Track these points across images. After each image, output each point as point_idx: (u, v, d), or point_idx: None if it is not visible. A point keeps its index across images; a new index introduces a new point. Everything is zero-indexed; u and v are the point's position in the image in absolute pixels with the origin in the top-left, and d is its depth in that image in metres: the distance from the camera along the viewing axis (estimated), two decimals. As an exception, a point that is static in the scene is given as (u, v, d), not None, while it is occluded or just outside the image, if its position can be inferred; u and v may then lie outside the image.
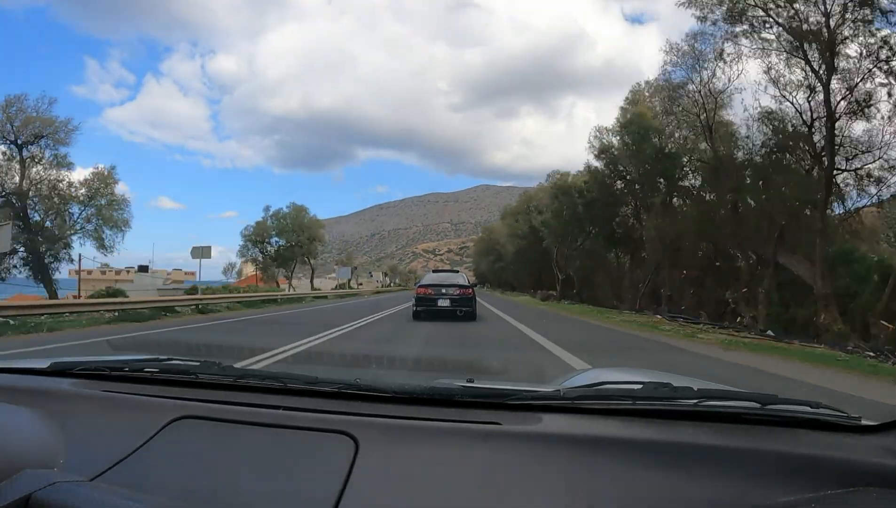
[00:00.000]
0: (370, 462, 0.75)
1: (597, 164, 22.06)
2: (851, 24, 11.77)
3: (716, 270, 15.72)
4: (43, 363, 1.18)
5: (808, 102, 14.04)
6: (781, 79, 13.92)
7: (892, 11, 11.29)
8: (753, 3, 12.56)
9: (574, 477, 0.74)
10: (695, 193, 18.26)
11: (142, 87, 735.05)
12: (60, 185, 24.84)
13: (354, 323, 10.89)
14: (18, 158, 23.26)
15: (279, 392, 0.99)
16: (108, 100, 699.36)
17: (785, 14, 12.26)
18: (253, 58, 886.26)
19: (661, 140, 17.49)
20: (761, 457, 0.75)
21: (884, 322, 10.63)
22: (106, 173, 25.87)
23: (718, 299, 15.41)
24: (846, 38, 12.02)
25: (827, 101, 11.97)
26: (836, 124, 12.53)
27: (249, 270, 48.08)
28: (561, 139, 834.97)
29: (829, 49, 11.30)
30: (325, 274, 71.02)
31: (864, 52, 11.72)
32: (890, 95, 11.71)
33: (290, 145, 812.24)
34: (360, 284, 75.43)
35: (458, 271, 14.96)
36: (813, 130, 13.91)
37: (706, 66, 14.76)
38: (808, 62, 12.07)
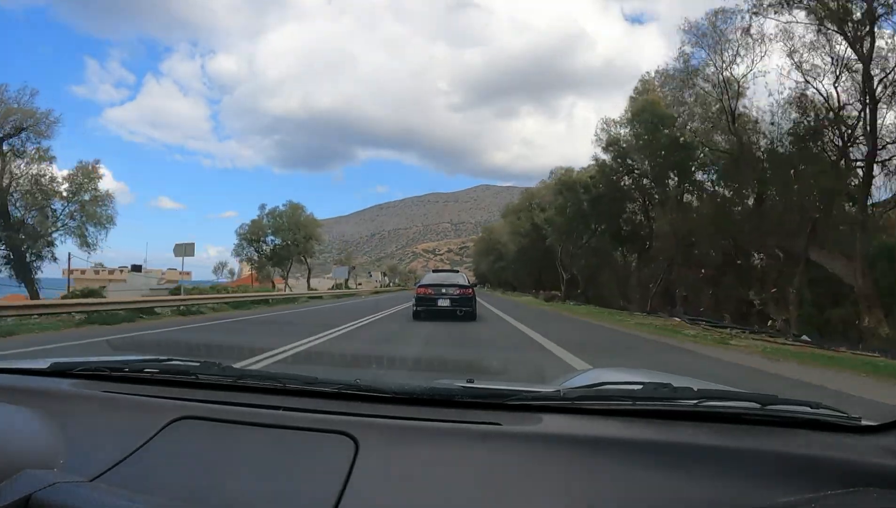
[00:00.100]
0: (370, 463, 0.75)
1: (604, 157, 20.88)
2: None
3: (736, 268, 14.57)
4: (43, 364, 1.18)
5: (835, 87, 13.00)
6: (804, 64, 12.89)
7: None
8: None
9: (574, 478, 0.73)
10: (711, 186, 17.09)
11: (142, 87, 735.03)
12: (42, 180, 23.78)
13: (346, 326, 10.17)
14: (-1, 151, 22.10)
15: (279, 393, 0.99)
16: (108, 100, 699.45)
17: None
18: (253, 58, 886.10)
19: (674, 129, 16.31)
20: (761, 457, 0.75)
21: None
22: (90, 168, 24.78)
23: (740, 300, 14.25)
24: (883, 14, 10.91)
25: (867, 79, 10.81)
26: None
27: (247, 269, 46.90)
28: (561, 139, 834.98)
29: (870, 18, 10.14)
30: (324, 274, 69.96)
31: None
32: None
33: (290, 145, 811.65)
34: (360, 284, 74.42)
35: (458, 271, 14.91)
36: (841, 116, 12.85)
37: (728, 47, 13.60)
38: (845, 36, 10.91)
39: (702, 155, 16.27)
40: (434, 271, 14.75)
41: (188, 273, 64.75)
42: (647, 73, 20.77)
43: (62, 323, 11.86)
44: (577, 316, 15.71)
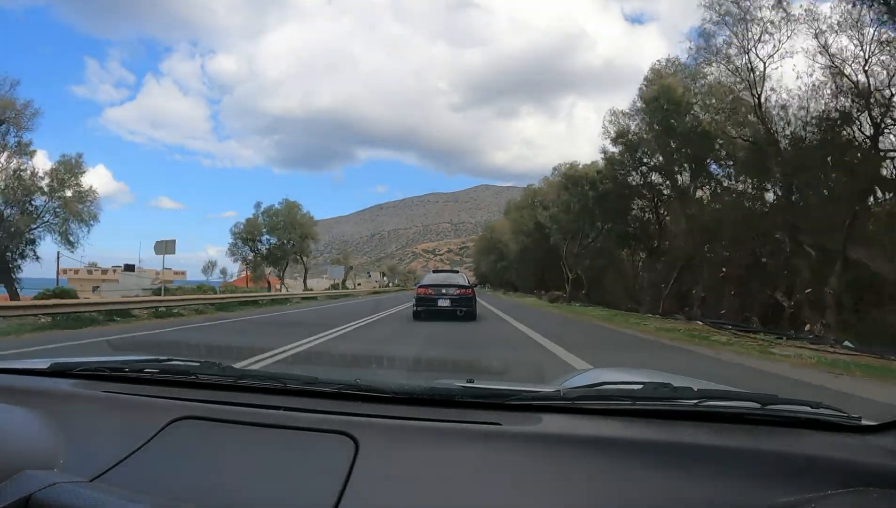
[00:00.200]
0: (370, 463, 0.75)
1: (613, 149, 19.68)
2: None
3: (760, 267, 13.38)
4: (43, 364, 1.18)
5: (865, 70, 11.85)
6: (832, 46, 11.76)
7: None
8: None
9: (574, 477, 0.73)
10: (730, 179, 15.89)
11: (142, 87, 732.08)
12: (23, 175, 22.62)
13: (331, 332, 9.31)
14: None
15: (279, 393, 0.99)
16: (108, 100, 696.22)
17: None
18: (253, 58, 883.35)
19: (692, 117, 15.12)
20: (761, 457, 0.75)
21: None
22: (73, 162, 23.62)
23: (766, 302, 13.07)
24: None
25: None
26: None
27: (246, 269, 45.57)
28: (561, 139, 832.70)
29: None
30: (322, 274, 68.81)
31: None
32: None
33: (289, 145, 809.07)
34: (359, 284, 73.44)
35: (458, 272, 14.87)
36: (871, 102, 11.72)
37: (753, 24, 12.42)
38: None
39: (720, 145, 15.06)
40: (434, 272, 14.54)
41: (183, 273, 63.82)
42: (658, 61, 19.67)
43: (24, 327, 10.81)
44: (588, 319, 14.54)
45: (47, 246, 22.68)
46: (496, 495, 0.70)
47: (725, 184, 16.01)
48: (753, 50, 12.75)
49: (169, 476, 0.76)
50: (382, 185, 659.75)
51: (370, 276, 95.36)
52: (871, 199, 12.40)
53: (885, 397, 4.61)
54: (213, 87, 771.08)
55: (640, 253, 23.88)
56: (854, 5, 11.56)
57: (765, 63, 12.64)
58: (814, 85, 12.52)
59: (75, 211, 22.59)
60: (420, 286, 12.25)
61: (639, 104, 20.08)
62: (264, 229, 40.93)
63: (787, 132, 13.10)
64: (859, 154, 11.29)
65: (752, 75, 12.70)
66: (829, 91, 11.92)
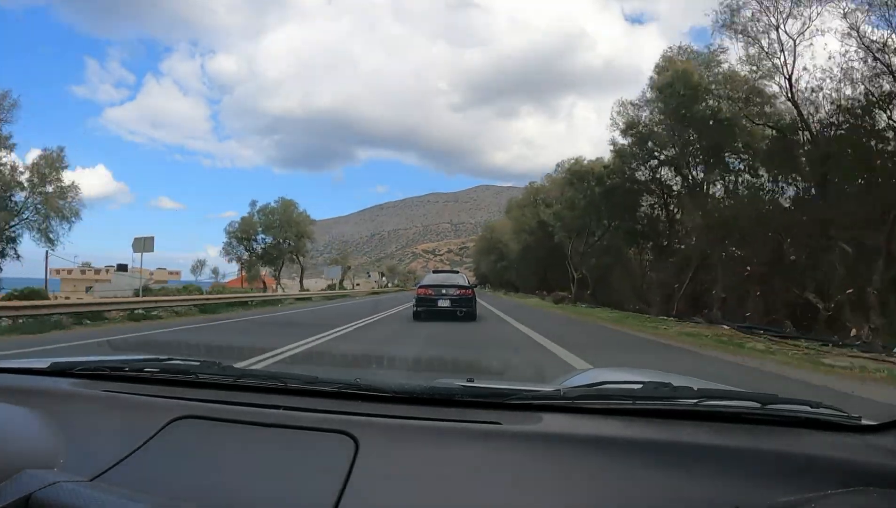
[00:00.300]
0: (370, 462, 0.75)
1: (623, 141, 18.58)
2: None
3: (789, 265, 12.28)
4: (43, 363, 1.17)
5: None
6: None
7: None
8: None
9: (574, 477, 0.73)
10: (749, 170, 14.78)
11: (142, 87, 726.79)
12: (2, 169, 21.54)
13: (325, 334, 8.66)
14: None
15: (279, 392, 0.98)
16: (108, 100, 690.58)
17: None
18: (253, 58, 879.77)
19: (711, 104, 14.02)
20: (761, 457, 0.74)
21: None
22: (55, 157, 22.52)
23: (794, 303, 11.97)
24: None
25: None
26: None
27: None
28: (561, 139, 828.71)
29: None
30: (321, 274, 67.74)
31: None
32: None
33: (289, 145, 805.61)
34: (358, 284, 72.40)
35: (457, 272, 14.83)
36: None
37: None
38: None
39: (740, 134, 13.94)
40: (434, 272, 14.42)
41: (178, 273, 62.88)
42: (670, 48, 18.60)
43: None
44: (600, 321, 13.45)
45: (27, 244, 21.39)
46: (496, 494, 0.69)
47: (745, 176, 14.85)
48: (782, 27, 11.65)
49: (169, 475, 0.76)
50: (382, 185, 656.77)
51: (369, 276, 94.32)
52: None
53: None
54: (213, 87, 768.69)
55: (649, 252, 22.73)
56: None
57: (795, 41, 11.55)
58: (848, 65, 11.43)
59: (56, 207, 21.55)
60: (420, 287, 12.23)
61: (648, 94, 19.03)
62: (259, 228, 39.78)
63: (817, 118, 12.00)
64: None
65: (782, 55, 11.61)
66: (865, 71, 10.80)
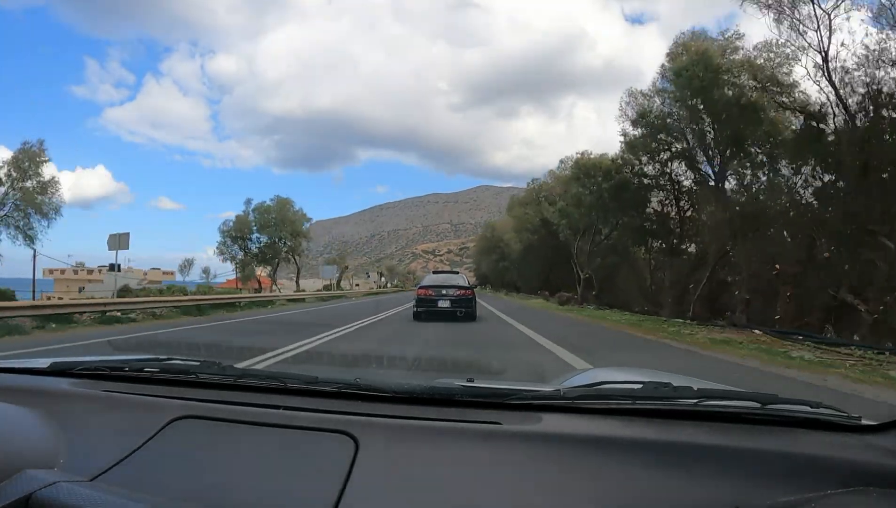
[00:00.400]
0: (370, 462, 0.74)
1: (634, 132, 17.43)
2: None
3: (823, 264, 11.18)
4: (43, 363, 1.17)
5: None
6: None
7: None
8: None
9: (574, 477, 0.73)
10: (775, 161, 13.65)
11: (141, 87, 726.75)
12: (-21, 164, 20.43)
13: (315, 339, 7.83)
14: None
15: (279, 392, 0.98)
16: (108, 100, 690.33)
17: None
18: (253, 58, 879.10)
19: (730, 89, 12.91)
20: (761, 457, 0.74)
21: None
22: (35, 150, 21.41)
23: (828, 305, 10.87)
24: None
25: None
26: None
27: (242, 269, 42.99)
28: (561, 139, 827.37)
29: None
30: (318, 275, 66.60)
31: None
32: None
33: (289, 145, 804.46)
34: (357, 285, 71.31)
35: (457, 273, 14.82)
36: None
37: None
38: None
39: (764, 121, 12.82)
40: (434, 273, 14.33)
41: (171, 273, 61.76)
42: (682, 34, 17.47)
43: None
44: (617, 326, 12.30)
45: (6, 243, 20.21)
46: (496, 494, 0.69)
47: (770, 167, 13.71)
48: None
49: (169, 475, 0.76)
50: (382, 185, 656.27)
51: (369, 276, 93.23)
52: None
53: None
54: (213, 87, 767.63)
55: (661, 249, 21.61)
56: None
57: (830, 15, 10.44)
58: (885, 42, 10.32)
59: (35, 203, 20.46)
60: (420, 288, 12.28)
61: (659, 84, 17.92)
62: (255, 227, 38.67)
63: (854, 101, 10.90)
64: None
65: (818, 32, 10.48)
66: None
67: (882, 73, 10.54)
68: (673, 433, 0.80)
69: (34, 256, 28.43)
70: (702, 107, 13.89)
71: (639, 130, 17.36)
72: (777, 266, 11.32)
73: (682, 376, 1.25)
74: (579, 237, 24.95)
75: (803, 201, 12.34)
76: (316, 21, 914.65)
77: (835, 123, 11.41)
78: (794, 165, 13.42)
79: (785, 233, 12.18)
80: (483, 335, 9.12)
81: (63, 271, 58.33)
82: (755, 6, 10.99)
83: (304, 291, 36.19)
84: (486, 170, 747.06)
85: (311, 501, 0.67)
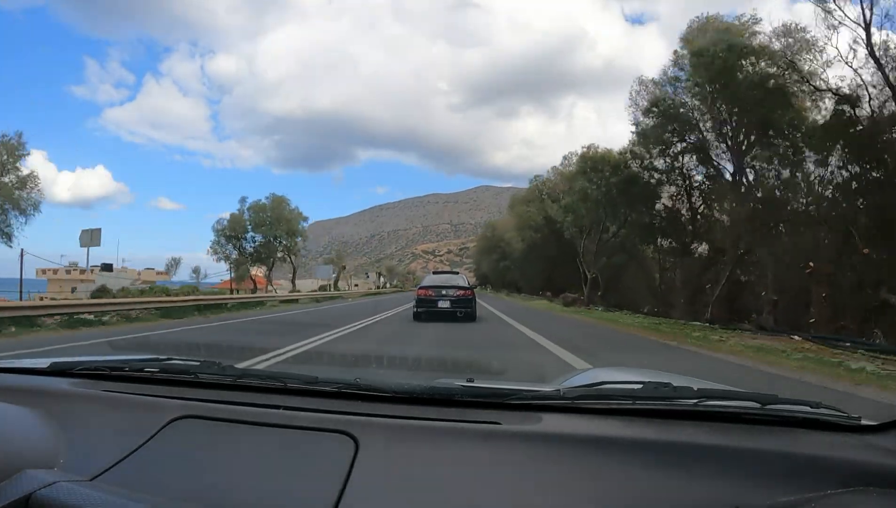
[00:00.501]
0: (370, 462, 0.74)
1: (647, 120, 16.39)
2: None
3: (862, 261, 10.13)
4: (43, 363, 1.17)
5: None
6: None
7: None
8: None
9: (574, 477, 0.72)
10: (798, 150, 12.59)
11: (141, 87, 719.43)
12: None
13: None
14: None
15: (279, 392, 0.98)
16: (107, 100, 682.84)
17: None
18: (252, 58, 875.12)
19: (759, 69, 11.86)
20: (761, 457, 0.73)
21: None
22: (14, 143, 20.36)
23: (868, 306, 9.82)
24: None
25: None
26: None
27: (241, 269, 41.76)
28: (561, 139, 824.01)
29: None
30: (317, 275, 65.46)
31: None
32: None
33: (289, 146, 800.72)
34: (356, 285, 70.31)
35: (457, 273, 14.77)
36: None
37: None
38: None
39: (789, 108, 11.76)
40: (434, 273, 14.29)
41: (165, 273, 60.52)
42: (696, 18, 16.47)
43: None
44: (630, 330, 11.25)
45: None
46: (496, 494, 0.69)
47: (796, 157, 12.63)
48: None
49: (169, 475, 0.76)
50: (382, 185, 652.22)
51: (368, 277, 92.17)
52: None
53: None
54: (213, 87, 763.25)
55: (671, 248, 20.57)
56: None
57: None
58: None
59: (12, 198, 19.41)
60: (420, 288, 12.31)
61: (671, 73, 16.93)
62: (249, 226, 37.61)
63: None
64: None
65: (860, 2, 9.41)
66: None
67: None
68: (673, 434, 0.80)
69: (21, 255, 27.32)
70: (721, 92, 12.80)
71: (651, 119, 16.35)
72: (811, 264, 10.25)
73: (682, 376, 1.24)
74: (585, 235, 23.89)
75: (833, 194, 11.28)
76: (316, 21, 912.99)
77: (871, 107, 10.35)
78: (821, 155, 12.37)
79: (814, 229, 11.09)
80: (490, 340, 8.27)
81: (56, 272, 57.24)
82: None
83: (299, 291, 35.08)
84: (486, 170, 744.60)
85: (311, 501, 0.67)
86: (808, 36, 12.28)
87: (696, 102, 15.68)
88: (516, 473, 0.72)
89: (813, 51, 11.86)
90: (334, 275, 44.08)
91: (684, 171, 19.09)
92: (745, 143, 13.87)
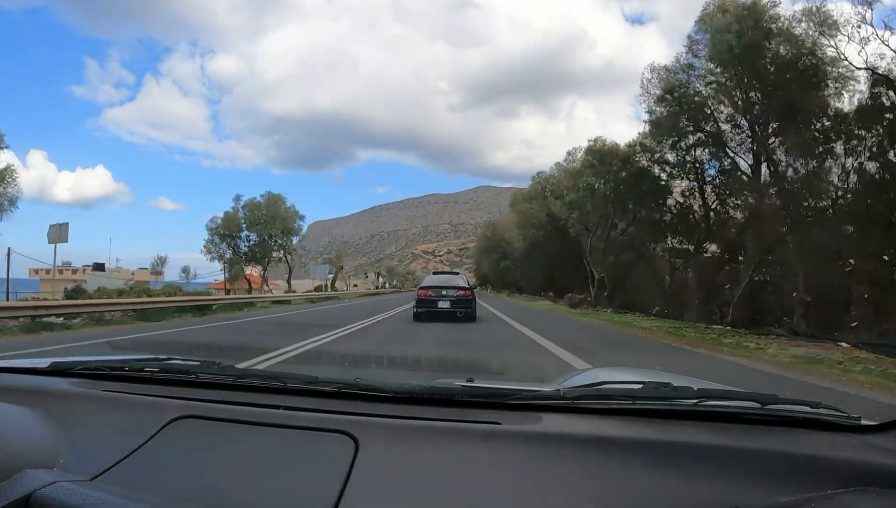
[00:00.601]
0: (370, 462, 0.74)
1: (660, 109, 15.37)
2: None
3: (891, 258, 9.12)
4: (43, 363, 1.17)
5: None
6: None
7: None
8: None
9: (574, 477, 0.72)
10: (827, 138, 11.55)
11: (141, 87, 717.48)
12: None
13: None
14: None
15: (279, 392, 0.98)
16: (107, 100, 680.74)
17: None
18: (252, 58, 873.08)
19: (787, 49, 10.82)
20: (761, 457, 0.73)
21: None
22: (-10, 138, 19.33)
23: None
24: None
25: None
26: None
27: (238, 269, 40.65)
28: (561, 139, 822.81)
29: None
30: (316, 275, 64.43)
31: None
32: None
33: (289, 146, 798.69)
34: (355, 285, 69.33)
35: (457, 273, 14.76)
36: None
37: None
38: None
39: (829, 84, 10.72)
40: (434, 273, 14.18)
41: (160, 274, 59.48)
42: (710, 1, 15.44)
43: None
44: (650, 335, 10.19)
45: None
46: (496, 494, 0.69)
47: (833, 145, 11.59)
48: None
49: (169, 475, 0.76)
50: (382, 186, 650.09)
51: (367, 277, 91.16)
52: None
53: None
54: (213, 87, 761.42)
55: (682, 246, 19.55)
56: None
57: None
58: None
59: (-12, 195, 18.39)
60: (420, 288, 12.32)
61: (684, 59, 15.91)
62: (244, 224, 36.57)
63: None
64: None
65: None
66: None
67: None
68: (673, 434, 0.80)
69: (8, 253, 26.28)
70: (744, 74, 11.77)
71: (664, 107, 15.32)
72: (851, 262, 9.22)
73: (682, 376, 1.24)
74: (592, 233, 22.87)
75: (872, 183, 10.25)
76: (316, 21, 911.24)
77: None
78: (853, 142, 11.33)
79: (851, 223, 10.06)
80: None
81: (48, 272, 56.32)
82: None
83: (294, 292, 34.04)
84: (486, 170, 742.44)
85: (311, 501, 0.67)
86: (838, 13, 11.33)
87: (712, 91, 14.69)
88: (516, 473, 0.72)
89: (848, 27, 10.82)
90: (331, 275, 42.96)
91: (697, 165, 18.15)
92: (770, 129, 12.84)
